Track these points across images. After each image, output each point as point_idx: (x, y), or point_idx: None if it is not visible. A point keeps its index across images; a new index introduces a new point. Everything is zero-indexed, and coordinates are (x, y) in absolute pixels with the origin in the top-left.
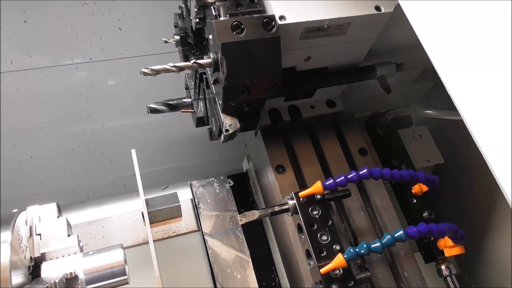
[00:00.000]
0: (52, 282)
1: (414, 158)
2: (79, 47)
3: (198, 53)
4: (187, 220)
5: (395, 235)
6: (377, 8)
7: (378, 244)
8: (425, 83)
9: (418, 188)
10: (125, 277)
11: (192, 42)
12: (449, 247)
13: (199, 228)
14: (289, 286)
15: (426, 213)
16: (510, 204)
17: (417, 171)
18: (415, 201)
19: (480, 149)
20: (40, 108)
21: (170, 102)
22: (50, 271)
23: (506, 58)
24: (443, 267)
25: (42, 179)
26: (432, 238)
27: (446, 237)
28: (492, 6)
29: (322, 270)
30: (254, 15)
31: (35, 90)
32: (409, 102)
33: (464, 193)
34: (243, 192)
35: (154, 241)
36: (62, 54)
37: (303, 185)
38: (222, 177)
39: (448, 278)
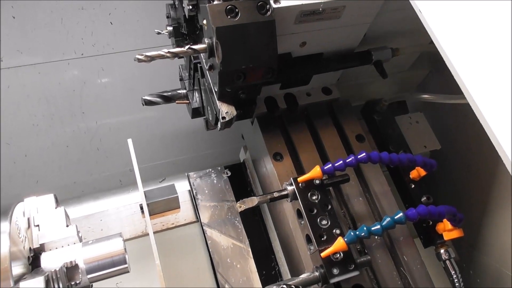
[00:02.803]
0: (53, 270)
1: (411, 144)
2: (70, 43)
3: (191, 43)
4: (185, 212)
5: (395, 217)
6: None
7: (378, 226)
8: (420, 70)
9: (416, 173)
10: (126, 265)
11: (185, 33)
12: (448, 231)
13: (198, 219)
14: (289, 274)
15: (425, 198)
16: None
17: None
18: (413, 186)
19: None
20: (33, 105)
21: (165, 94)
22: (49, 261)
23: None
24: (442, 251)
25: (37, 177)
26: (431, 223)
27: (445, 221)
28: None
29: (323, 254)
30: None
31: (27, 87)
32: (405, 89)
33: (462, 179)
34: (240, 182)
35: (153, 233)
36: (53, 50)
37: (301, 172)
38: (219, 168)
39: (447, 262)
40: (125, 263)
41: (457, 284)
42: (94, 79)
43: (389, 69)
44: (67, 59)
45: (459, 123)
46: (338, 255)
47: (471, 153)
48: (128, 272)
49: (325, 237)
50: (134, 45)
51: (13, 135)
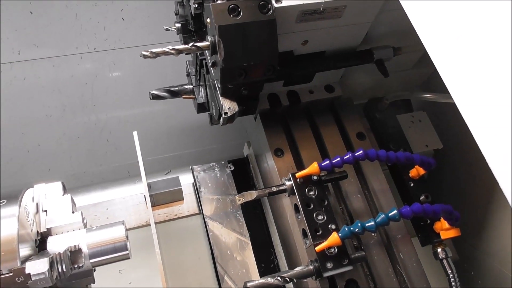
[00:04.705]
0: (57, 253)
1: (412, 143)
2: (83, 37)
3: (198, 40)
4: (188, 204)
5: (389, 214)
6: None
7: (372, 223)
8: (424, 68)
9: (415, 172)
10: (127, 252)
11: (192, 29)
12: (445, 230)
13: (200, 211)
14: (287, 267)
15: (423, 196)
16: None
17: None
18: (412, 184)
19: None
20: (47, 97)
21: (172, 89)
22: (55, 245)
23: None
24: (439, 249)
25: (49, 166)
26: (428, 221)
27: (442, 220)
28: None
29: (317, 248)
30: None
31: (41, 79)
32: (408, 87)
33: (464, 178)
34: (243, 176)
35: (156, 223)
36: (67, 44)
37: (301, 168)
38: (223, 162)
39: (444, 261)
40: (126, 249)
41: (453, 284)
42: (106, 73)
43: (393, 67)
44: (80, 53)
45: (461, 123)
46: (333, 250)
47: (473, 153)
48: (129, 258)
49: (320, 231)
50: (145, 40)
51: (28, 125)
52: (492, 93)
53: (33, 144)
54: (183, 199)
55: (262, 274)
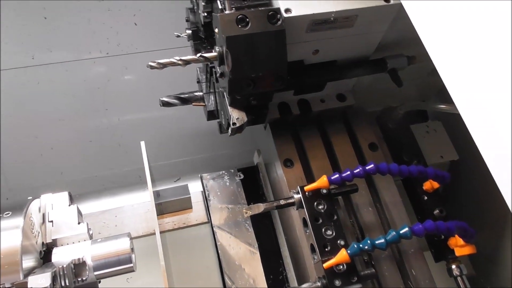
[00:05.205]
0: (60, 267)
1: (427, 154)
2: (96, 42)
3: (209, 47)
4: (197, 212)
5: (400, 231)
6: None
7: (383, 240)
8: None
9: (429, 185)
10: (131, 264)
11: (203, 36)
12: (459, 246)
13: (209, 220)
14: (296, 280)
15: (437, 211)
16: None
17: (429, 167)
18: (426, 198)
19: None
20: (60, 101)
21: (182, 96)
22: (60, 257)
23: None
24: (453, 266)
25: (62, 169)
26: (442, 237)
27: (457, 236)
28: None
29: (325, 265)
30: (260, 8)
31: (55, 83)
32: (424, 96)
33: (481, 191)
34: (253, 185)
35: (164, 231)
36: (81, 49)
37: (311, 180)
38: (232, 170)
39: (459, 278)
40: (131, 262)
41: None
42: (118, 77)
43: (408, 76)
44: (93, 57)
45: None
46: (341, 267)
47: None
48: (134, 271)
49: (329, 247)
50: (157, 45)
51: (41, 128)
52: (497, 107)
53: (46, 148)
54: (191, 208)
55: (270, 286)
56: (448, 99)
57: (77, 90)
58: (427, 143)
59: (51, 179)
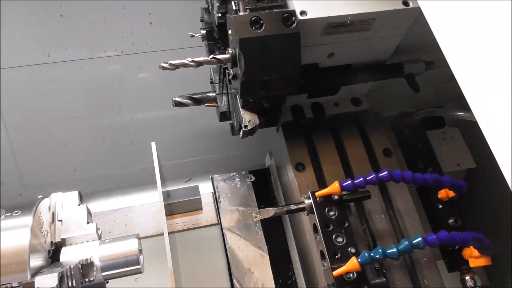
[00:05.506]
0: (68, 267)
1: (443, 161)
2: (111, 41)
3: (223, 48)
4: (207, 213)
5: (413, 241)
6: (405, 2)
7: (395, 249)
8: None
9: (445, 193)
10: (139, 266)
11: (217, 37)
12: (474, 257)
13: (219, 222)
14: (305, 286)
15: (452, 220)
16: None
17: (446, 174)
18: (440, 206)
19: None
20: (74, 98)
21: (195, 96)
22: (68, 256)
23: None
24: (467, 277)
25: (75, 167)
26: (457, 247)
27: (472, 247)
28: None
29: (335, 273)
30: (274, 10)
31: (69, 81)
32: (441, 101)
33: (498, 200)
34: (264, 188)
35: (174, 232)
36: (96, 47)
37: (322, 185)
38: (243, 172)
39: None
40: (138, 264)
41: None
42: (132, 76)
43: (426, 81)
44: (108, 56)
45: None
46: (351, 275)
47: None
48: (141, 273)
49: (339, 254)
50: (172, 44)
51: (55, 126)
52: None
53: (59, 145)
54: (202, 209)
55: None
56: (465, 106)
57: (91, 88)
58: (443, 150)
59: (64, 176)
